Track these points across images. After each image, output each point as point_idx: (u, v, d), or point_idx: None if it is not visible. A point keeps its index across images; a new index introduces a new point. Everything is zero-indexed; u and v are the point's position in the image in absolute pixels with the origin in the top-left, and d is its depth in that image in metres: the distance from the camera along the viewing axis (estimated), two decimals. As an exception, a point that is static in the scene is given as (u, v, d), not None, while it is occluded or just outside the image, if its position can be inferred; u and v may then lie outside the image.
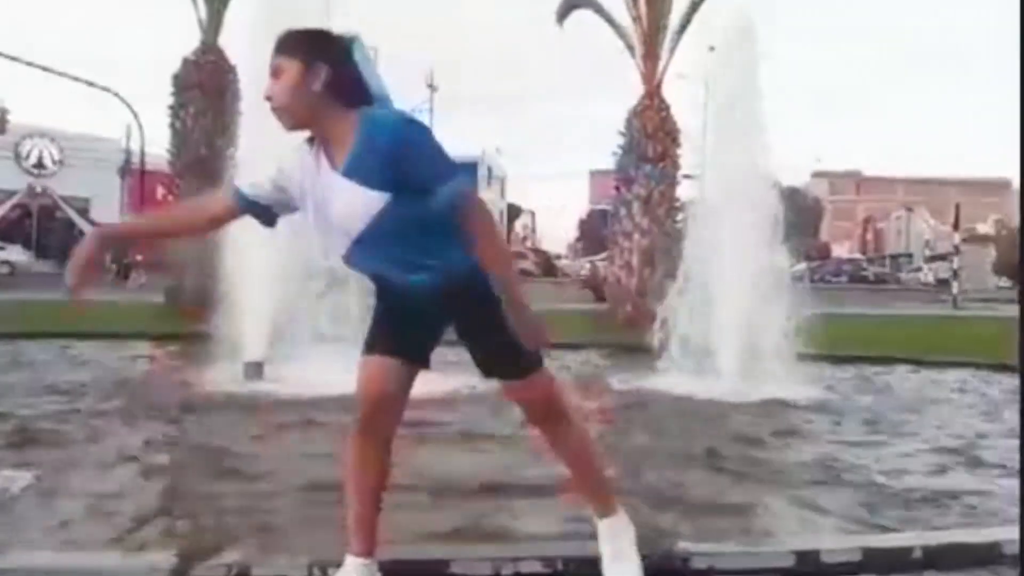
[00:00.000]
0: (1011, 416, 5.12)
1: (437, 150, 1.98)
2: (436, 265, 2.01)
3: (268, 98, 1.99)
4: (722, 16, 7.18)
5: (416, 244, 2.00)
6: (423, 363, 2.18)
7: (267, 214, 2.13)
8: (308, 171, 2.04)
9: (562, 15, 14.77)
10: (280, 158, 2.09)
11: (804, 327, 6.06)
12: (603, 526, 2.28)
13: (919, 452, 4.25)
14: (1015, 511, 3.03)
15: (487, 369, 2.16)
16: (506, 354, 2.07)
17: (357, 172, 1.95)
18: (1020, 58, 2.31)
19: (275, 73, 1.98)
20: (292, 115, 1.98)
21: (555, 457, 2.33)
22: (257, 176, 2.10)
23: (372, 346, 2.15)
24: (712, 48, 8.99)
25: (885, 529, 2.94)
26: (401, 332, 2.12)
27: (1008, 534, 2.60)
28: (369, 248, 2.00)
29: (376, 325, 2.18)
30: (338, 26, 2.18)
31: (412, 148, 1.94)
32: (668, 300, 6.52)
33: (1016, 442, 4.16)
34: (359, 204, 1.96)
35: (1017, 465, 3.50)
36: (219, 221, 2.21)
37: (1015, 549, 2.44)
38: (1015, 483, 3.14)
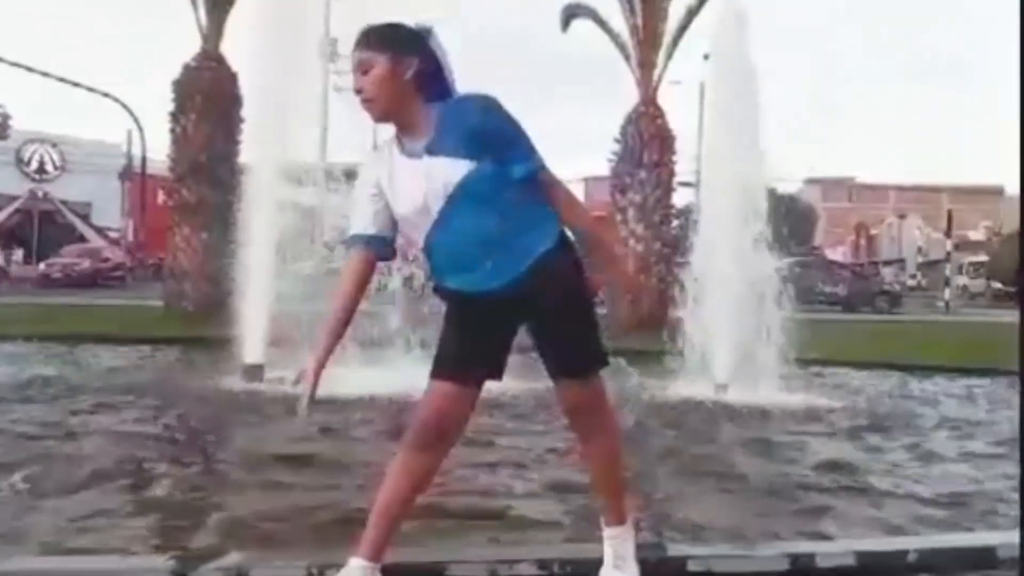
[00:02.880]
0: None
1: (519, 126, 2.08)
2: (513, 246, 2.04)
3: (358, 91, 2.05)
4: (717, 24, 7.21)
5: (494, 220, 2.02)
6: (496, 377, 2.17)
7: (391, 245, 2.16)
8: (383, 165, 2.11)
9: (565, 22, 14.85)
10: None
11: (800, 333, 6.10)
12: (611, 532, 2.28)
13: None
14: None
15: (559, 364, 2.13)
16: (582, 346, 2.12)
17: (443, 147, 2.02)
18: (1020, 66, 2.32)
19: (363, 68, 2.04)
20: (382, 106, 2.05)
21: (584, 461, 2.33)
22: (355, 212, 2.13)
23: (441, 370, 2.11)
24: (707, 56, 9.06)
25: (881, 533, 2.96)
26: (473, 354, 2.11)
27: (1003, 538, 2.62)
28: (448, 226, 2.03)
29: (445, 346, 2.14)
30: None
31: (500, 121, 2.05)
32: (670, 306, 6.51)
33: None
34: (440, 177, 2.01)
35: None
36: (367, 279, 2.18)
37: (1009, 553, 2.46)
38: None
